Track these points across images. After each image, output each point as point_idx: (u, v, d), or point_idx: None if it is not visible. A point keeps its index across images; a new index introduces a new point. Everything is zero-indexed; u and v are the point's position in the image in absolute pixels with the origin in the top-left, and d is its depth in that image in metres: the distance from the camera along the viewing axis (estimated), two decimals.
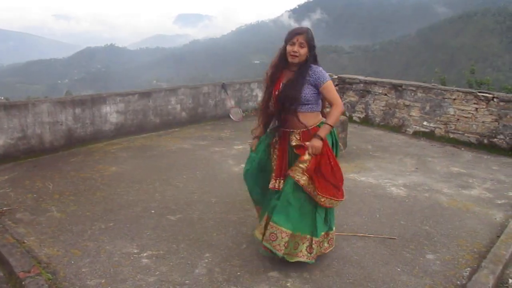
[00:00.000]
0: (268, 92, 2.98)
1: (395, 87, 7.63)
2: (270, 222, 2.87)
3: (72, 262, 3.01)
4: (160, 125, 7.02)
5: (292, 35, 2.80)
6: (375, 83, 7.98)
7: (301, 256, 2.90)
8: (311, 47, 2.83)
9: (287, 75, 2.92)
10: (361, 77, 8.33)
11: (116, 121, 6.39)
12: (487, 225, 3.85)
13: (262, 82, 3.08)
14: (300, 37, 2.78)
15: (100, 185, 4.52)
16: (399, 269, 3.07)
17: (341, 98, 8.28)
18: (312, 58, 2.87)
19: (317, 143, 2.78)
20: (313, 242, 2.90)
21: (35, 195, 4.19)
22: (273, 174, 2.99)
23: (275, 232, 2.84)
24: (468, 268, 3.11)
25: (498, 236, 3.53)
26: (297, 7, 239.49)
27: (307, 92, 2.84)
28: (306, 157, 2.80)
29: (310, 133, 2.87)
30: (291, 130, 2.93)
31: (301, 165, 2.81)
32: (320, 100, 2.98)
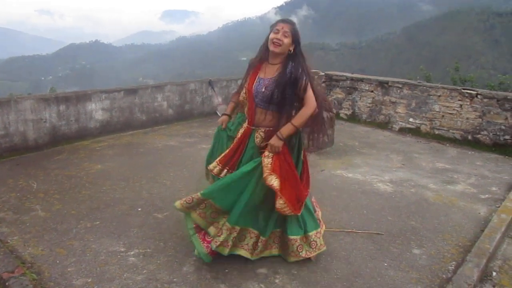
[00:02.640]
0: (244, 83, 2.86)
1: (382, 84, 7.69)
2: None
3: (58, 261, 2.97)
4: (147, 122, 6.95)
5: (277, 22, 2.70)
6: (361, 80, 8.02)
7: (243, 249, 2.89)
8: (295, 41, 2.68)
9: (267, 69, 2.75)
10: (348, 74, 8.37)
11: (101, 118, 6.31)
12: (472, 220, 3.91)
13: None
14: (285, 26, 2.64)
15: (86, 183, 4.46)
16: (386, 264, 3.10)
17: (328, 95, 8.37)
18: (296, 54, 2.70)
19: (276, 142, 2.66)
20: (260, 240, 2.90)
21: (18, 194, 4.11)
22: (219, 159, 2.92)
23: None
24: (453, 262, 3.15)
25: (482, 230, 3.59)
26: (284, 4, 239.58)
27: (283, 91, 2.65)
28: (266, 154, 2.70)
29: (274, 133, 2.72)
30: (257, 127, 2.79)
31: (266, 165, 2.68)
32: (296, 102, 2.76)
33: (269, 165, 2.68)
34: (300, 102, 2.74)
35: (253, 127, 2.80)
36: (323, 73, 8.58)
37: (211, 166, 2.95)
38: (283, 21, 2.68)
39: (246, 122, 2.85)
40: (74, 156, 5.35)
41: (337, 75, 8.41)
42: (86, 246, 3.19)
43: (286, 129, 2.67)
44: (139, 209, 3.86)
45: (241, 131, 2.88)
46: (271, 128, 2.75)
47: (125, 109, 6.61)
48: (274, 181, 2.67)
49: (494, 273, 3.11)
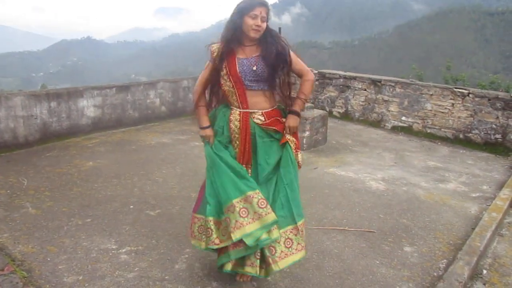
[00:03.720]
0: (218, 70, 2.53)
1: (374, 83, 7.71)
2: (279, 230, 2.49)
3: (48, 259, 2.94)
4: (139, 120, 6.91)
5: (253, 6, 2.38)
6: (354, 78, 8.04)
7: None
8: (269, 20, 2.48)
9: (245, 50, 2.52)
10: (341, 72, 8.38)
11: (93, 115, 6.26)
12: (463, 218, 3.94)
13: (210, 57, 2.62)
14: (263, 10, 2.40)
15: (77, 180, 4.43)
16: (378, 262, 3.11)
17: (321, 93, 8.39)
18: (267, 28, 2.49)
19: (295, 122, 2.55)
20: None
21: (8, 191, 4.07)
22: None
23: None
24: (445, 260, 3.18)
25: (473, 228, 3.62)
26: (278, 1, 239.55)
27: (273, 66, 2.50)
28: (288, 137, 2.56)
29: (273, 112, 2.60)
30: (252, 110, 2.55)
31: (291, 145, 2.57)
32: (284, 76, 2.61)
33: (293, 145, 2.59)
34: (287, 75, 2.61)
35: (250, 110, 2.55)
36: (316, 71, 8.59)
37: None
38: (261, 3, 2.41)
39: (238, 110, 2.56)
40: (65, 153, 5.31)
41: (330, 73, 8.42)
42: (77, 244, 3.16)
43: (299, 106, 2.58)
44: (131, 207, 3.84)
45: (236, 123, 2.56)
46: (269, 109, 2.58)
47: (117, 106, 6.56)
48: (300, 157, 2.67)
49: (484, 271, 3.14)
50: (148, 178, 4.58)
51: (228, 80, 2.51)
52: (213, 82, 2.63)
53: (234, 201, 2.44)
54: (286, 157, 2.56)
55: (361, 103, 7.94)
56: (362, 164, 5.41)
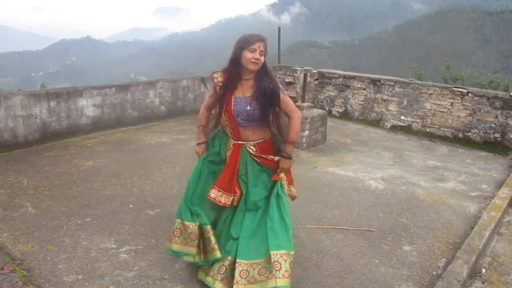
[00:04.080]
0: (220, 103, 2.65)
1: (374, 82, 7.72)
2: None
3: (48, 258, 2.95)
4: (138, 119, 6.91)
5: (253, 41, 2.49)
6: (354, 77, 8.05)
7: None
8: (266, 54, 2.58)
9: (242, 87, 2.61)
10: (340, 72, 8.39)
11: (92, 115, 6.26)
12: (462, 217, 3.95)
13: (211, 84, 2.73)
14: (261, 44, 2.50)
15: (77, 179, 4.43)
16: (377, 261, 3.12)
17: (320, 92, 8.39)
18: (264, 66, 2.58)
19: (287, 164, 2.66)
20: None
21: (8, 191, 4.07)
22: (218, 186, 2.66)
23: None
24: (444, 259, 3.18)
25: (472, 227, 3.63)
26: (277, 1, 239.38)
27: (264, 107, 2.59)
28: (281, 176, 2.69)
29: (265, 144, 2.70)
30: (244, 142, 2.67)
31: (282, 183, 2.69)
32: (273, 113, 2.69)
33: (285, 182, 2.73)
34: (278, 115, 2.71)
35: (242, 142, 2.68)
36: (316, 71, 8.60)
37: (212, 194, 2.64)
38: (259, 39, 2.50)
39: (231, 140, 2.71)
40: (64, 153, 5.31)
41: (329, 73, 8.43)
42: (77, 243, 3.16)
43: (290, 149, 2.67)
44: (131, 206, 3.85)
45: (229, 152, 2.71)
46: (260, 140, 2.69)
47: (116, 105, 6.57)
48: (294, 191, 2.86)
49: (483, 270, 3.15)
50: (148, 177, 4.58)
51: (224, 114, 2.64)
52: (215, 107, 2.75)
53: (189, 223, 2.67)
54: (274, 192, 2.64)
55: (360, 102, 7.95)
56: (361, 164, 5.41)
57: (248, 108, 2.58)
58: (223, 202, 2.63)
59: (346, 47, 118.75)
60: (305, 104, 6.20)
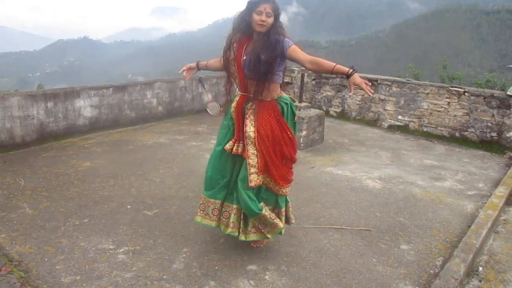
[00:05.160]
0: (228, 57, 2.83)
1: (371, 82, 7.73)
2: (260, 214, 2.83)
3: (46, 259, 2.94)
4: (136, 120, 6.91)
5: (259, 3, 2.62)
6: None
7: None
8: (277, 16, 2.68)
9: (252, 42, 2.74)
10: None
11: (90, 115, 6.25)
12: (459, 216, 3.97)
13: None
14: (267, 6, 2.61)
15: (74, 180, 4.42)
16: (374, 260, 3.13)
17: (318, 92, 8.40)
18: (275, 28, 2.68)
19: (355, 79, 2.56)
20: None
21: (5, 192, 4.06)
22: (234, 138, 2.87)
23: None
24: (441, 258, 3.20)
25: (469, 226, 3.64)
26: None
27: (271, 59, 2.67)
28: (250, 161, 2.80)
29: (266, 105, 2.79)
30: (249, 95, 2.80)
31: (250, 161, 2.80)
32: (281, 72, 2.84)
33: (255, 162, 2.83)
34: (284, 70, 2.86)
35: (248, 95, 2.81)
36: None
37: (228, 146, 2.85)
38: (265, 1, 2.62)
39: (238, 94, 2.88)
40: (62, 153, 5.30)
41: None
42: (75, 244, 3.16)
43: (343, 69, 2.63)
44: (129, 207, 3.84)
45: (235, 102, 2.87)
46: (262, 101, 2.80)
47: (114, 106, 6.56)
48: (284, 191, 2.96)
49: (480, 268, 3.16)
50: (145, 178, 4.58)
51: (233, 65, 2.81)
52: (226, 70, 2.93)
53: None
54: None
55: (357, 102, 7.96)
56: (358, 163, 5.42)
57: (244, 58, 2.73)
58: (235, 150, 2.84)
59: (344, 47, 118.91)
60: (303, 104, 6.22)
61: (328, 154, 5.78)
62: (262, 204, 2.87)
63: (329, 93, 8.38)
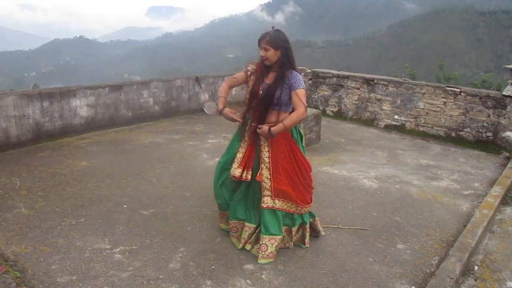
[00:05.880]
0: (251, 90, 3.05)
1: (367, 82, 7.75)
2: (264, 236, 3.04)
3: (41, 259, 2.93)
4: (132, 119, 6.89)
5: (258, 42, 2.92)
6: (348, 77, 8.08)
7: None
8: (278, 47, 2.88)
9: (269, 76, 3.00)
10: (334, 72, 8.41)
11: (86, 115, 6.23)
12: (455, 215, 3.98)
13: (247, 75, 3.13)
14: (262, 42, 2.88)
15: (70, 180, 4.41)
16: (371, 259, 3.14)
17: (314, 92, 8.40)
18: (284, 58, 2.91)
19: (264, 132, 2.89)
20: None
21: (0, 192, 4.04)
22: (238, 163, 3.03)
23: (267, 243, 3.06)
24: (437, 257, 3.21)
25: (465, 226, 3.66)
26: (271, 0, 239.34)
27: (284, 94, 2.91)
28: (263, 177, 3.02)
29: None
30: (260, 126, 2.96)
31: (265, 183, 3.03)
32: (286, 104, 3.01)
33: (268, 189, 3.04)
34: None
35: (256, 125, 2.98)
36: (310, 70, 8.62)
37: (236, 173, 3.01)
38: (260, 38, 2.90)
39: (250, 123, 3.05)
40: (58, 153, 5.28)
41: (323, 72, 8.45)
42: (71, 244, 3.15)
43: (277, 128, 2.87)
44: (125, 206, 3.83)
45: (248, 132, 3.07)
46: (273, 124, 2.94)
47: (110, 105, 6.54)
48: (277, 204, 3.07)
49: (476, 267, 3.18)
50: (142, 177, 4.57)
51: (248, 93, 3.05)
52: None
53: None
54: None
55: (354, 102, 7.98)
56: (355, 163, 5.44)
57: (261, 92, 2.96)
58: (244, 177, 3.01)
59: (340, 47, 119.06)
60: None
61: (324, 154, 5.78)
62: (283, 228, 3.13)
63: (326, 93, 8.39)
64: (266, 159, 2.99)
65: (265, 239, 3.02)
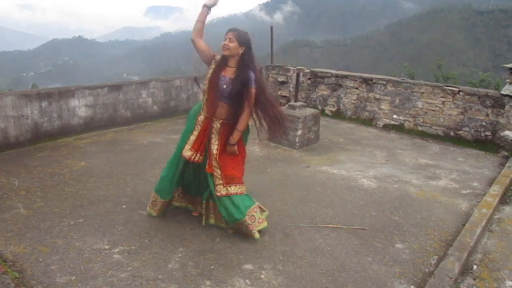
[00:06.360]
0: (210, 78, 3.23)
1: (366, 81, 7.76)
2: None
3: (40, 259, 2.93)
4: (131, 119, 6.89)
5: (226, 32, 3.12)
6: (346, 77, 8.08)
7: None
8: (242, 43, 3.08)
9: (227, 70, 3.18)
10: (333, 71, 8.41)
11: (85, 115, 6.22)
12: (453, 214, 3.99)
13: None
14: (230, 33, 3.09)
15: (69, 180, 4.40)
16: (370, 259, 3.14)
17: (313, 92, 8.41)
18: (247, 55, 3.12)
19: (231, 149, 3.23)
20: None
21: None
22: (191, 145, 3.26)
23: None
24: (436, 256, 3.21)
25: (463, 225, 3.67)
26: (269, 0, 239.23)
27: (235, 88, 3.12)
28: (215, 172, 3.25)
29: (229, 126, 3.22)
30: (215, 118, 3.23)
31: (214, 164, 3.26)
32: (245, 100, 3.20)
33: (219, 177, 3.26)
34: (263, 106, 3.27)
35: (213, 118, 3.23)
36: (308, 70, 8.62)
37: (187, 155, 3.26)
38: (229, 29, 3.14)
39: (204, 112, 3.26)
40: (56, 153, 5.27)
41: (322, 72, 8.45)
42: (70, 244, 3.15)
43: (235, 136, 3.21)
44: (124, 206, 3.83)
45: (201, 118, 3.28)
46: (225, 121, 3.23)
47: (109, 105, 6.53)
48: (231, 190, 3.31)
49: (474, 267, 3.18)
50: (141, 177, 4.57)
51: (207, 84, 3.21)
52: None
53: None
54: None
55: (353, 101, 7.98)
56: (354, 162, 5.44)
57: (224, 86, 3.15)
58: (195, 159, 3.25)
59: (339, 46, 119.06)
60: (298, 103, 6.22)
61: (323, 153, 5.79)
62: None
63: (324, 92, 8.39)
64: (215, 151, 3.23)
65: (236, 224, 3.26)
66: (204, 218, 3.49)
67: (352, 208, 4.03)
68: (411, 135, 7.04)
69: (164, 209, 3.60)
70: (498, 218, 4.05)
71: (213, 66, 3.20)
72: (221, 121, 3.23)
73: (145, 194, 4.12)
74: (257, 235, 3.27)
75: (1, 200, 3.85)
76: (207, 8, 3.24)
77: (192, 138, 3.28)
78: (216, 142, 3.25)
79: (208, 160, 3.29)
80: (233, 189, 3.24)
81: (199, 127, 3.28)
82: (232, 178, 3.24)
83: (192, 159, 3.25)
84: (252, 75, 3.13)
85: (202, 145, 3.27)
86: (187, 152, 3.26)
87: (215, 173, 3.23)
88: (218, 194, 3.22)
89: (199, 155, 3.26)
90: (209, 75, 3.20)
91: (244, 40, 3.10)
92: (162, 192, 3.50)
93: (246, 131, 3.39)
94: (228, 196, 3.22)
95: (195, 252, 3.11)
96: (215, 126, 3.25)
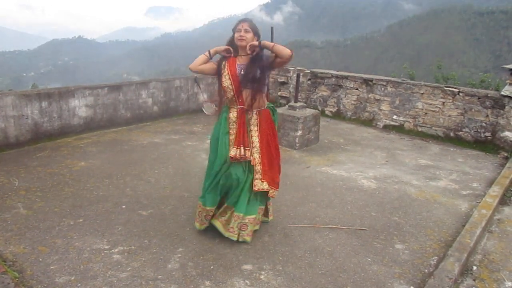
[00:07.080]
0: (221, 73, 3.14)
1: (366, 82, 7.76)
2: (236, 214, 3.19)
3: (40, 259, 2.93)
4: (131, 119, 6.89)
5: (237, 23, 3.10)
6: (346, 77, 8.08)
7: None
8: (256, 33, 3.08)
9: (241, 59, 3.11)
10: (333, 72, 8.41)
11: (85, 115, 6.22)
12: (453, 215, 3.99)
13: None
14: (244, 24, 3.06)
15: (69, 180, 4.40)
16: (369, 259, 3.14)
17: (313, 92, 8.41)
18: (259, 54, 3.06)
19: (254, 42, 3.04)
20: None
21: None
22: (233, 144, 3.11)
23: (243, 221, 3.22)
24: (435, 257, 3.21)
25: (463, 226, 3.66)
26: (270, 1, 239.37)
27: (258, 72, 3.06)
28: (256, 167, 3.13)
29: (264, 113, 3.17)
30: (248, 109, 3.12)
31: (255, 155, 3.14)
32: (267, 84, 3.20)
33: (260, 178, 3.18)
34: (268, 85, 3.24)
35: (245, 107, 3.11)
36: (308, 71, 8.62)
37: (232, 153, 3.07)
38: (242, 20, 3.12)
39: (235, 108, 3.13)
40: (56, 153, 5.27)
41: (322, 73, 8.45)
42: (69, 244, 3.15)
43: (269, 43, 3.03)
44: (123, 207, 3.83)
45: (234, 114, 3.14)
46: (260, 109, 3.16)
47: (109, 105, 6.54)
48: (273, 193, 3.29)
49: (474, 267, 3.18)
50: (141, 178, 4.57)
51: (229, 79, 3.09)
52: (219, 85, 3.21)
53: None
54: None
55: (353, 102, 7.98)
56: (354, 163, 5.44)
57: (246, 71, 3.05)
58: (242, 154, 3.06)
59: (339, 47, 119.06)
60: (298, 104, 6.22)
61: (323, 154, 5.79)
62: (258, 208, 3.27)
63: (324, 93, 8.39)
64: (257, 144, 3.14)
65: (246, 219, 3.18)
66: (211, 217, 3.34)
67: (352, 208, 4.03)
68: (411, 135, 7.04)
69: (207, 220, 3.33)
70: (498, 219, 4.05)
71: (226, 64, 3.13)
72: (255, 110, 3.14)
73: (145, 194, 4.13)
74: (234, 239, 3.22)
75: (1, 200, 3.85)
76: (209, 53, 3.20)
77: (231, 138, 3.14)
78: (257, 133, 3.15)
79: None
80: (266, 186, 3.16)
81: (234, 124, 3.15)
82: (267, 175, 3.17)
83: (239, 156, 3.06)
84: (264, 53, 3.10)
85: (245, 139, 3.12)
86: (232, 152, 3.09)
87: (255, 167, 3.14)
88: (256, 188, 3.13)
89: (243, 148, 3.09)
90: (226, 72, 3.10)
91: (257, 30, 3.12)
92: (207, 200, 3.27)
93: (275, 111, 3.31)
94: (260, 191, 3.16)
95: (195, 252, 3.11)
96: (251, 117, 3.15)
